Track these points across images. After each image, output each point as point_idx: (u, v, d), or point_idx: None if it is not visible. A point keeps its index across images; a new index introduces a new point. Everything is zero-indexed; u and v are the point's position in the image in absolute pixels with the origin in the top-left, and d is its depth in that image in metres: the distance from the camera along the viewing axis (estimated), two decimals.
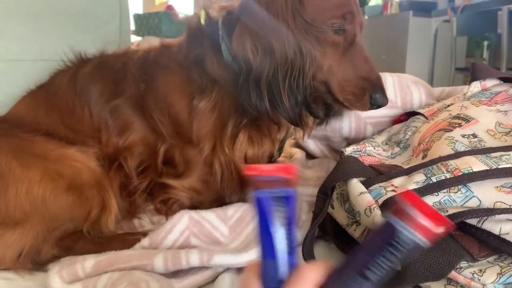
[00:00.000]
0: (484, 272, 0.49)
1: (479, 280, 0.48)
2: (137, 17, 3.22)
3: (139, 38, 3.20)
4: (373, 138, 0.83)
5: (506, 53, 2.85)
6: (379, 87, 0.74)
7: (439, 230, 0.32)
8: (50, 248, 0.72)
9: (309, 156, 1.02)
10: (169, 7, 3.16)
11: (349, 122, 0.90)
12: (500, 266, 0.49)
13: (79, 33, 1.08)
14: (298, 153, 0.99)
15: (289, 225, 0.35)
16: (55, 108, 0.85)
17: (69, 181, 0.74)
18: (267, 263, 0.36)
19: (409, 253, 0.32)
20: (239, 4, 0.78)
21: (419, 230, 0.31)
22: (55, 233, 0.73)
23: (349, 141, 0.94)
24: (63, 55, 0.91)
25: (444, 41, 3.46)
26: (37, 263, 0.71)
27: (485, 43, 3.79)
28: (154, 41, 1.04)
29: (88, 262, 0.65)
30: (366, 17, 4.51)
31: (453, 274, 0.50)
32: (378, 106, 0.75)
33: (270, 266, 0.35)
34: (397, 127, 0.84)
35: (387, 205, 0.34)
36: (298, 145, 1.03)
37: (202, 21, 0.84)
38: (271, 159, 0.93)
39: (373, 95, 0.73)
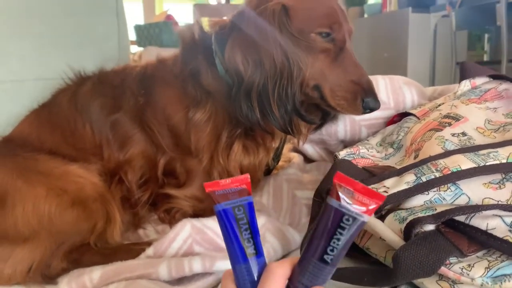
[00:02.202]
0: (473, 266, 0.51)
1: (468, 274, 0.50)
2: (138, 28, 3.25)
3: (140, 49, 3.23)
4: (368, 140, 0.85)
5: (506, 45, 2.84)
6: (370, 91, 0.75)
7: (375, 204, 0.36)
8: (59, 262, 0.75)
9: (307, 160, 1.04)
10: (169, 17, 3.19)
11: (344, 125, 0.92)
12: (488, 261, 0.51)
13: (79, 50, 1.11)
14: (296, 157, 1.02)
15: (252, 229, 0.39)
16: (57, 127, 0.87)
17: (73, 196, 0.76)
18: (239, 268, 0.39)
19: (356, 230, 0.36)
20: (233, 18, 0.81)
21: (358, 208, 0.36)
22: (63, 246, 0.75)
23: (345, 144, 0.96)
24: (63, 73, 0.94)
25: (444, 36, 3.45)
26: (47, 276, 0.74)
27: (486, 36, 3.79)
28: (155, 51, 1.06)
29: (95, 273, 0.67)
30: (366, 15, 4.51)
31: (443, 269, 0.51)
32: (371, 110, 0.76)
33: (242, 270, 0.39)
34: (390, 128, 0.86)
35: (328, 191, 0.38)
36: (296, 149, 1.05)
37: (196, 35, 0.86)
38: (269, 168, 0.95)
39: (365, 98, 0.74)
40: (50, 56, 1.07)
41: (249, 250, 0.39)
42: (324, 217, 0.37)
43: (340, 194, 0.36)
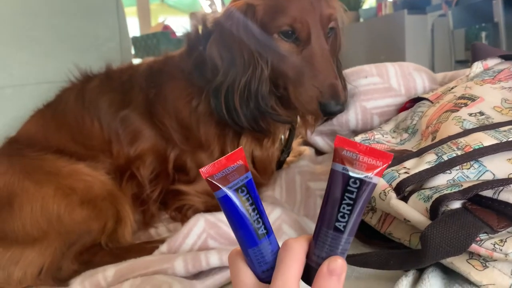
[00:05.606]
0: (505, 241, 0.48)
1: (501, 250, 0.48)
2: (135, 39, 3.26)
3: (138, 60, 3.23)
4: (381, 127, 0.83)
5: (505, 41, 2.83)
6: (331, 94, 0.72)
7: (382, 163, 0.34)
8: (70, 264, 0.73)
9: (318, 152, 1.02)
10: (166, 27, 3.20)
11: (355, 114, 0.90)
12: None
13: (80, 53, 1.10)
14: (307, 151, 1.00)
15: (259, 208, 0.36)
16: (64, 125, 0.86)
17: (82, 195, 0.74)
18: (252, 252, 0.37)
19: (365, 193, 0.34)
20: (219, 16, 0.82)
21: (364, 169, 0.34)
22: (74, 247, 0.73)
23: (357, 134, 0.94)
24: (66, 75, 0.93)
25: (441, 35, 3.45)
26: (58, 279, 0.72)
27: (483, 33, 3.79)
28: None
29: (109, 271, 0.65)
30: (361, 19, 4.52)
31: (474, 247, 0.49)
32: (330, 114, 0.74)
33: (256, 252, 0.37)
34: (403, 114, 0.84)
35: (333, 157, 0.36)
36: (306, 143, 1.03)
37: (200, 31, 0.86)
38: (279, 160, 0.93)
39: (324, 102, 0.72)
40: (51, 60, 1.06)
41: (260, 231, 0.36)
42: (331, 183, 0.35)
43: (343, 157, 0.34)
